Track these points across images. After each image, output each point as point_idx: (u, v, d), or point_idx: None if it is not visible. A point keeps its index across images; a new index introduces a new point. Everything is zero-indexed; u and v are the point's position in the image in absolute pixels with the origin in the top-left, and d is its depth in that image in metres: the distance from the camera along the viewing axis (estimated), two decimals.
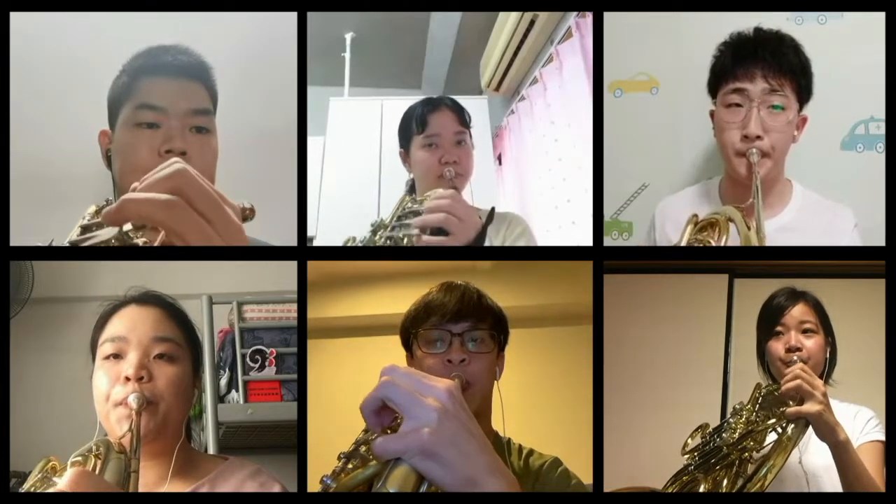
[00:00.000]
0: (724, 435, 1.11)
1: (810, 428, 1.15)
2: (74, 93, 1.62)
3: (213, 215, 0.66)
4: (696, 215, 1.24)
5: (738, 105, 1.26)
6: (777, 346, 1.27)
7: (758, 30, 1.31)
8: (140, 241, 0.70)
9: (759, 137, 1.24)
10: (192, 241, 0.65)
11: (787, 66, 1.25)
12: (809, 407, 1.08)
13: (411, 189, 1.60)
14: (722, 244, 1.15)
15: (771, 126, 1.24)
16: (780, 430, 1.10)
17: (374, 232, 1.30)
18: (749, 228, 1.12)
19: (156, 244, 0.68)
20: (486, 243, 1.48)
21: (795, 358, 1.22)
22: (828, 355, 1.28)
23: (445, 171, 1.46)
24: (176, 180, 0.66)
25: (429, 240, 1.16)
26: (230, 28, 1.66)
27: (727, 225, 1.16)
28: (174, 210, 0.64)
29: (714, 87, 1.33)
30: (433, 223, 1.15)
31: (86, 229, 0.80)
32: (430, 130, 1.50)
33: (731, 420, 1.14)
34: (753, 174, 1.22)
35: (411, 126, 1.54)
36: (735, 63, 1.27)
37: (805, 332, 1.27)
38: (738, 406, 1.17)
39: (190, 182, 0.66)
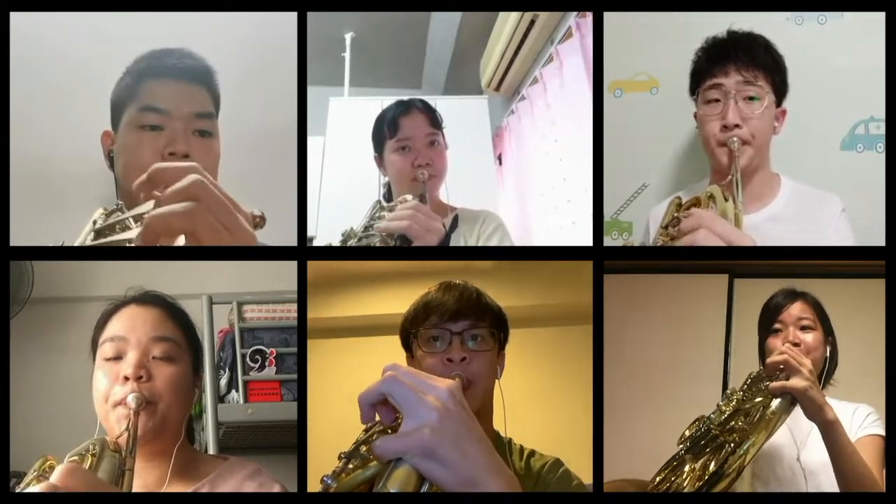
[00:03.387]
0: (712, 416, 1.11)
1: (811, 428, 1.15)
2: (75, 93, 1.62)
3: (228, 223, 0.70)
4: (678, 197, 1.28)
5: (716, 100, 1.31)
6: (775, 343, 1.28)
7: (730, 31, 1.35)
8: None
9: (737, 126, 1.27)
10: (209, 244, 0.69)
11: (759, 60, 1.30)
12: (795, 382, 1.09)
13: (388, 191, 1.61)
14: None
15: (749, 115, 1.28)
16: (766, 406, 1.09)
17: (344, 242, 1.33)
18: (727, 200, 1.14)
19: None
20: (461, 242, 1.49)
21: None
22: (828, 354, 1.28)
23: (419, 174, 1.47)
24: (193, 191, 0.69)
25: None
26: (230, 28, 1.66)
27: (709, 202, 1.19)
28: (194, 216, 0.68)
29: (694, 88, 1.37)
30: (395, 230, 1.20)
31: (99, 234, 0.81)
32: (402, 134, 1.51)
33: (720, 403, 1.14)
34: (734, 159, 1.25)
35: (383, 130, 1.54)
36: (710, 62, 1.32)
37: (803, 328, 1.29)
38: (729, 391, 1.17)
39: (207, 192, 0.70)
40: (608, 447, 1.39)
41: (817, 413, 1.08)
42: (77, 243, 0.83)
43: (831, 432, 1.09)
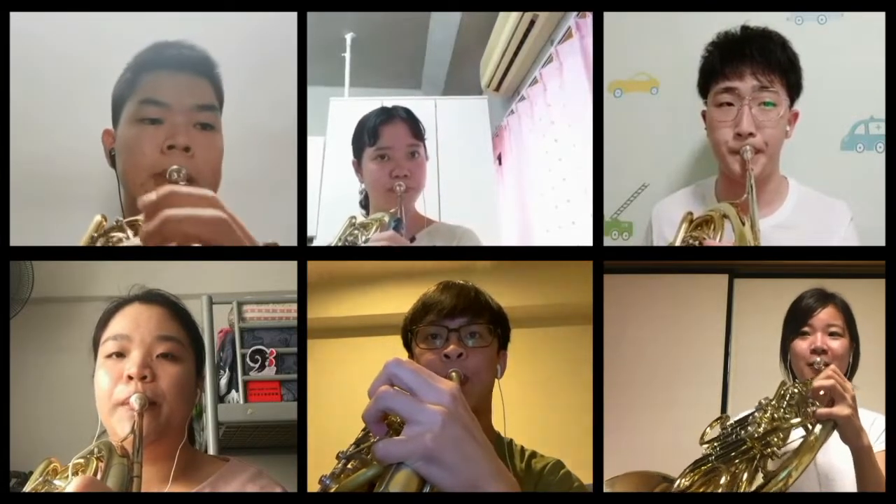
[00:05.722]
0: (748, 429, 1.11)
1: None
2: (75, 92, 1.62)
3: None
4: (690, 213, 1.25)
5: (729, 104, 1.27)
6: (802, 346, 1.27)
7: (745, 28, 1.31)
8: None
9: (751, 135, 1.25)
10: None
11: (775, 62, 1.26)
12: (840, 409, 1.08)
13: (365, 198, 1.59)
14: (717, 240, 1.16)
15: (763, 122, 1.25)
16: (807, 429, 1.09)
17: None
18: (744, 224, 1.13)
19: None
20: None
21: (819, 360, 1.23)
22: (851, 359, 1.28)
23: (396, 186, 1.45)
24: (212, 234, 0.67)
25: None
26: (230, 28, 1.66)
27: (722, 221, 1.17)
28: (219, 228, 0.66)
29: (704, 87, 1.34)
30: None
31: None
32: (382, 143, 1.49)
33: (756, 414, 1.14)
34: (748, 171, 1.23)
35: (363, 137, 1.52)
36: (724, 62, 1.28)
37: (832, 334, 1.27)
38: (763, 401, 1.16)
39: (227, 234, 0.67)
40: (608, 447, 1.39)
41: (854, 439, 1.08)
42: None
43: (864, 457, 1.09)
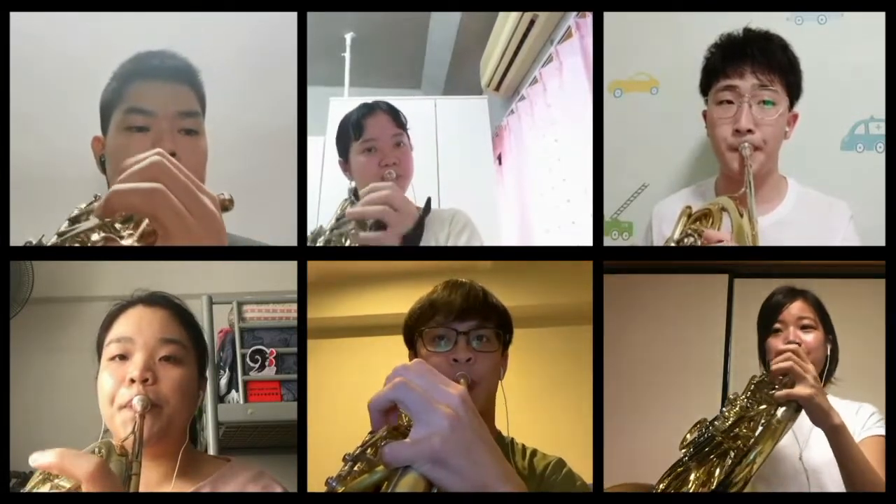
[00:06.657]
0: (716, 424, 1.11)
1: (813, 427, 1.15)
2: (75, 93, 1.62)
3: (191, 206, 0.69)
4: (689, 207, 1.26)
5: (729, 102, 1.29)
6: (776, 343, 1.27)
7: (747, 30, 1.33)
8: (125, 234, 0.71)
9: (750, 131, 1.26)
10: (171, 228, 0.69)
11: (775, 62, 1.28)
12: (800, 390, 1.08)
13: (354, 195, 1.59)
14: (716, 230, 1.17)
15: (762, 120, 1.26)
16: (770, 414, 1.09)
17: (313, 241, 1.32)
18: (742, 216, 1.13)
19: (136, 237, 0.70)
20: (432, 242, 1.49)
21: None
22: (828, 353, 1.28)
23: (386, 174, 1.44)
24: (153, 171, 0.68)
25: (366, 237, 1.17)
26: (231, 28, 1.66)
27: (720, 214, 1.18)
28: (155, 198, 0.67)
29: (706, 86, 1.36)
30: (371, 215, 1.17)
31: (73, 221, 0.81)
32: (368, 135, 1.48)
33: (724, 409, 1.14)
34: (746, 167, 1.23)
35: (348, 133, 1.52)
36: (725, 62, 1.30)
37: (804, 327, 1.27)
38: (732, 396, 1.17)
39: (167, 174, 0.69)
40: (608, 447, 1.39)
41: (824, 419, 1.08)
42: (54, 235, 0.83)
43: (838, 437, 1.08)
